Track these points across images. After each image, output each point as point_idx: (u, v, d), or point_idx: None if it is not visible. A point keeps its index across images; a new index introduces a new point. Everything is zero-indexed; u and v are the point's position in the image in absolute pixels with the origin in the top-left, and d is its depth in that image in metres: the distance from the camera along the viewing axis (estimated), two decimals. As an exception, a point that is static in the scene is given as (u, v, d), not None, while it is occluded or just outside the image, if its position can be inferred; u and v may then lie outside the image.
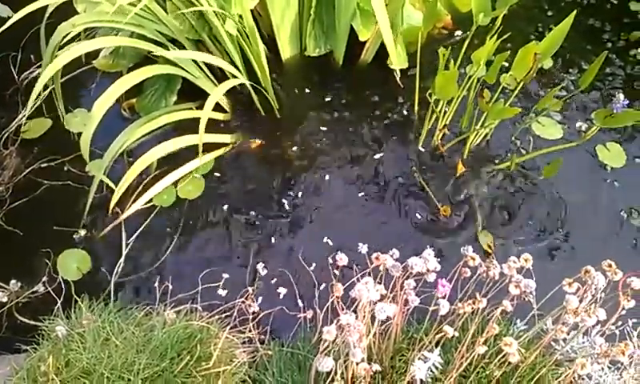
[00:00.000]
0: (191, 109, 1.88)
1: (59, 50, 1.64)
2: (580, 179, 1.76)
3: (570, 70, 2.00)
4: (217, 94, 1.66)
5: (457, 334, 1.20)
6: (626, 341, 1.09)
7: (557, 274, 1.16)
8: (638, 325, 1.29)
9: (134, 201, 1.72)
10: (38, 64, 2.13)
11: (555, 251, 1.61)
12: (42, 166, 1.87)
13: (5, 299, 1.47)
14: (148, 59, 1.89)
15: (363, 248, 1.20)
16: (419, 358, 1.05)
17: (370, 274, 1.08)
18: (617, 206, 1.69)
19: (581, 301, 1.14)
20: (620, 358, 1.08)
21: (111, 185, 1.70)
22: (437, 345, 1.25)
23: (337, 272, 1.54)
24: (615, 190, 1.73)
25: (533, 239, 1.63)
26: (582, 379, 1.26)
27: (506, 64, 1.74)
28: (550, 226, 1.66)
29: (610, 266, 1.13)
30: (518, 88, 1.61)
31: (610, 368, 1.28)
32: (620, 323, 1.27)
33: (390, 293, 1.15)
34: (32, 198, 1.79)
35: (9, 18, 1.59)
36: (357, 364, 1.06)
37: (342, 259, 1.15)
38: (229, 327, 1.38)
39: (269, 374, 1.32)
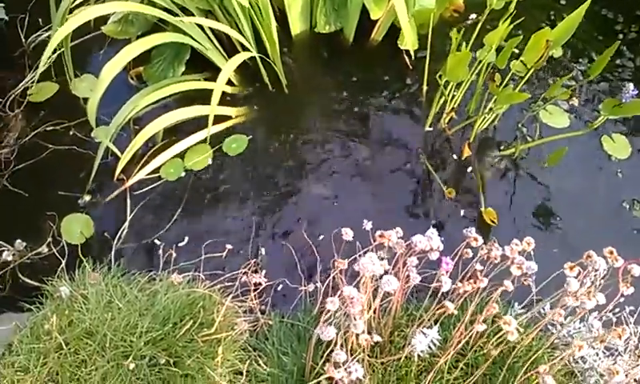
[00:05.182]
0: (199, 80, 1.87)
1: (69, 14, 1.63)
2: (584, 168, 1.76)
3: (580, 60, 2.00)
4: (230, 67, 1.66)
5: (456, 312, 1.22)
6: (622, 326, 1.11)
7: (556, 260, 1.17)
8: (634, 312, 1.30)
9: (140, 169, 1.72)
10: (46, 27, 2.11)
11: (555, 238, 1.62)
12: (48, 129, 1.87)
13: (10, 258, 1.48)
14: (157, 27, 1.88)
15: (367, 225, 1.21)
16: (419, 333, 1.06)
17: (373, 250, 1.10)
18: (619, 196, 1.70)
19: (580, 285, 1.15)
20: (616, 343, 1.10)
21: (117, 152, 1.71)
22: (435, 322, 1.27)
23: (340, 247, 1.56)
24: (618, 181, 1.73)
25: (534, 225, 1.64)
26: (577, 362, 1.28)
27: (516, 51, 1.74)
28: (552, 212, 1.67)
29: (611, 252, 1.15)
30: (528, 74, 1.60)
31: (604, 353, 1.30)
32: (617, 310, 1.29)
33: (392, 269, 1.16)
34: (37, 161, 1.79)
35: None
36: (357, 335, 1.08)
37: (347, 234, 1.15)
38: (231, 296, 1.39)
39: (269, 343, 1.34)
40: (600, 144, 1.80)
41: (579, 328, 1.32)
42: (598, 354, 1.28)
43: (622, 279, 1.11)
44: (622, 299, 1.15)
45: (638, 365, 1.18)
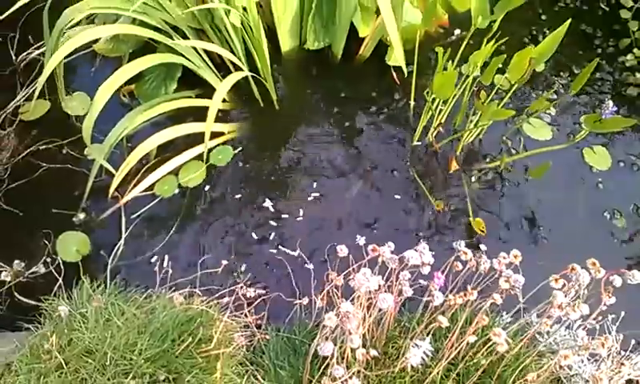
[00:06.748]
0: (191, 97, 1.90)
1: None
2: (566, 180, 1.83)
3: (562, 73, 2.07)
4: (224, 87, 1.69)
5: (447, 324, 1.26)
6: (605, 334, 1.16)
7: (541, 270, 1.22)
8: (616, 320, 1.36)
9: (134, 186, 1.74)
10: (37, 45, 2.13)
11: (539, 248, 1.68)
12: (41, 148, 1.88)
13: (8, 278, 1.49)
14: (148, 45, 1.90)
15: (361, 240, 1.24)
16: (413, 346, 1.10)
17: (365, 265, 1.14)
18: (600, 207, 1.77)
19: (565, 296, 1.21)
20: (599, 351, 1.15)
21: (111, 169, 1.73)
22: (428, 334, 1.31)
23: (333, 261, 1.59)
24: (599, 192, 1.80)
25: (519, 235, 1.70)
26: (563, 369, 1.33)
27: (500, 65, 1.80)
28: (536, 223, 1.73)
29: (593, 263, 1.20)
30: (512, 90, 1.66)
31: (588, 360, 1.35)
32: (600, 318, 1.34)
33: (385, 283, 1.20)
34: (31, 179, 1.80)
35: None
36: (352, 350, 1.11)
37: (342, 251, 1.19)
38: (228, 312, 1.42)
39: (266, 357, 1.37)
40: (582, 156, 1.87)
41: (564, 335, 1.38)
42: (582, 361, 1.33)
43: (604, 290, 1.16)
44: (604, 308, 1.21)
45: (620, 370, 1.24)
